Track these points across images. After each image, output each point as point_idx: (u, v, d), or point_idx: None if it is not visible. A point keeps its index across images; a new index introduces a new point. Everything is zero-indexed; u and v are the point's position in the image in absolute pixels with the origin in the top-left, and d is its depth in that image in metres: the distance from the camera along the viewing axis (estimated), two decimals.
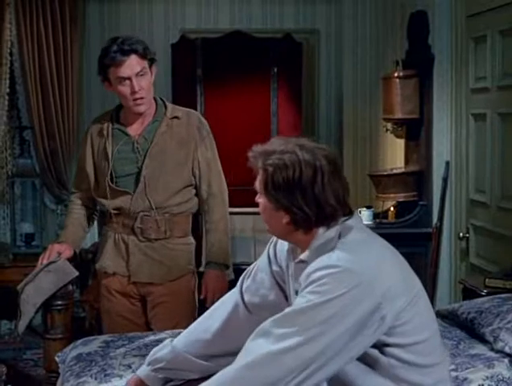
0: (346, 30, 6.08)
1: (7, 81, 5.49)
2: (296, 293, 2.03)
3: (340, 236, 1.96)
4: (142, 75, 3.12)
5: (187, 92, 6.95)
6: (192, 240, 3.34)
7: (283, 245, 2.17)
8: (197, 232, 3.35)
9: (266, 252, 2.25)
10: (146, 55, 3.15)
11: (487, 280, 3.54)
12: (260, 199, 2.04)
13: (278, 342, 1.86)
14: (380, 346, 1.93)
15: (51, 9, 5.52)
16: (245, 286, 2.26)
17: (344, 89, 6.14)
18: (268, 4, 6.21)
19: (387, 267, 1.95)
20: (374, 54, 5.92)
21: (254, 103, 7.35)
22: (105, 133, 3.24)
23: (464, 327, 2.77)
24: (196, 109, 6.99)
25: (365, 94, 6.03)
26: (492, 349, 2.55)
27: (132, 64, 3.10)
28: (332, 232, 1.97)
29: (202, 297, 3.30)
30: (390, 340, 1.93)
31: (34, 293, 3.07)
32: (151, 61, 3.18)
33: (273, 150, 1.99)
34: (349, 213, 2.02)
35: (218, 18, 6.20)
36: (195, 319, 3.27)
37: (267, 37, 6.46)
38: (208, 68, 7.07)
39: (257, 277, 2.25)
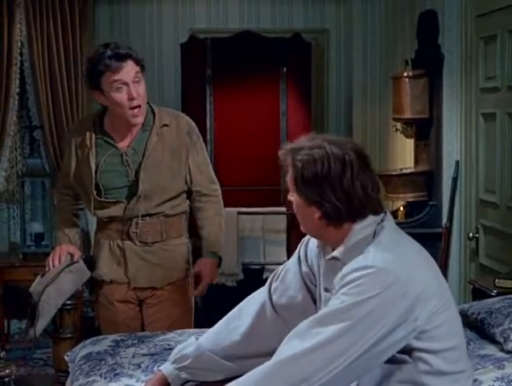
0: (355, 30, 6.07)
1: (17, 81, 5.52)
2: (326, 290, 2.03)
3: (374, 235, 1.97)
4: (137, 81, 3.01)
5: (197, 92, 6.97)
6: (187, 239, 3.26)
7: (314, 245, 2.17)
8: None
9: (296, 252, 2.25)
10: (139, 60, 3.04)
11: (497, 280, 3.53)
12: (292, 196, 2.05)
13: (310, 340, 1.87)
14: (409, 350, 1.92)
15: (60, 9, 5.54)
16: (273, 287, 2.26)
17: (354, 89, 6.13)
18: (277, 4, 6.20)
19: (422, 268, 1.95)
20: (384, 53, 5.91)
21: (264, 103, 7.36)
22: (88, 143, 3.09)
23: (473, 328, 2.75)
24: (205, 109, 7.10)
25: (374, 94, 6.02)
26: (502, 349, 2.53)
27: (129, 70, 2.98)
28: (368, 229, 1.98)
29: (193, 275, 3.22)
30: (421, 344, 1.92)
31: (55, 294, 3.04)
32: (143, 68, 3.06)
33: (301, 147, 2.00)
34: (381, 210, 2.02)
35: (227, 18, 6.19)
36: (192, 316, 3.27)
37: (276, 37, 6.46)
38: (218, 68, 7.09)
39: (286, 278, 2.24)
